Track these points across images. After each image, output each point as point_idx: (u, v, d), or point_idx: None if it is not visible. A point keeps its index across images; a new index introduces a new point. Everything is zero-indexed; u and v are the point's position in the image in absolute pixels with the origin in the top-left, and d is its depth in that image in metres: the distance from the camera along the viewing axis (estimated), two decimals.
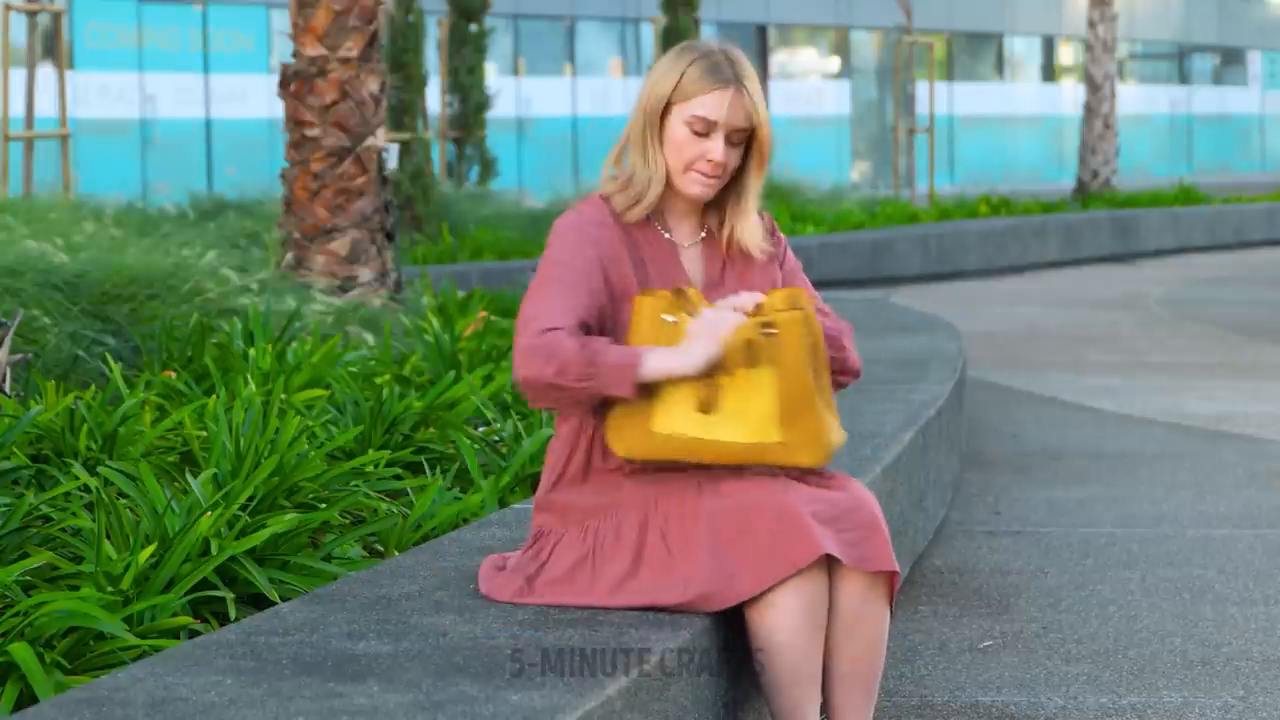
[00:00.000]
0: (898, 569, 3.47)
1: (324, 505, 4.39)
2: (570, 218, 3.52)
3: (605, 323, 3.46)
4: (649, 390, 3.37)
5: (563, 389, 3.33)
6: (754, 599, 3.36)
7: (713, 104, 3.44)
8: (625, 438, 3.40)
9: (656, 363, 3.34)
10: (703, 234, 3.60)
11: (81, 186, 14.92)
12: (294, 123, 8.62)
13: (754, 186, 3.55)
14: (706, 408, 3.38)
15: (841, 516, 3.43)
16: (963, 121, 35.39)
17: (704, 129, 3.45)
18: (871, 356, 7.71)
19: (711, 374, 3.37)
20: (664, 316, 3.40)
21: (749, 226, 3.57)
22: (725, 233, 3.59)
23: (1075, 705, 4.38)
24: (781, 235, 3.69)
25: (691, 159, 3.48)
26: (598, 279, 3.44)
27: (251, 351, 6.25)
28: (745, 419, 3.38)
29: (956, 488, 6.97)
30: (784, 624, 3.35)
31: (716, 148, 3.46)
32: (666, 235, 3.57)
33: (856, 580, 3.43)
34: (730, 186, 3.57)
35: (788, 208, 18.76)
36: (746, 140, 3.51)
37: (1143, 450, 7.92)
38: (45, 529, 4.03)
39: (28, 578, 3.71)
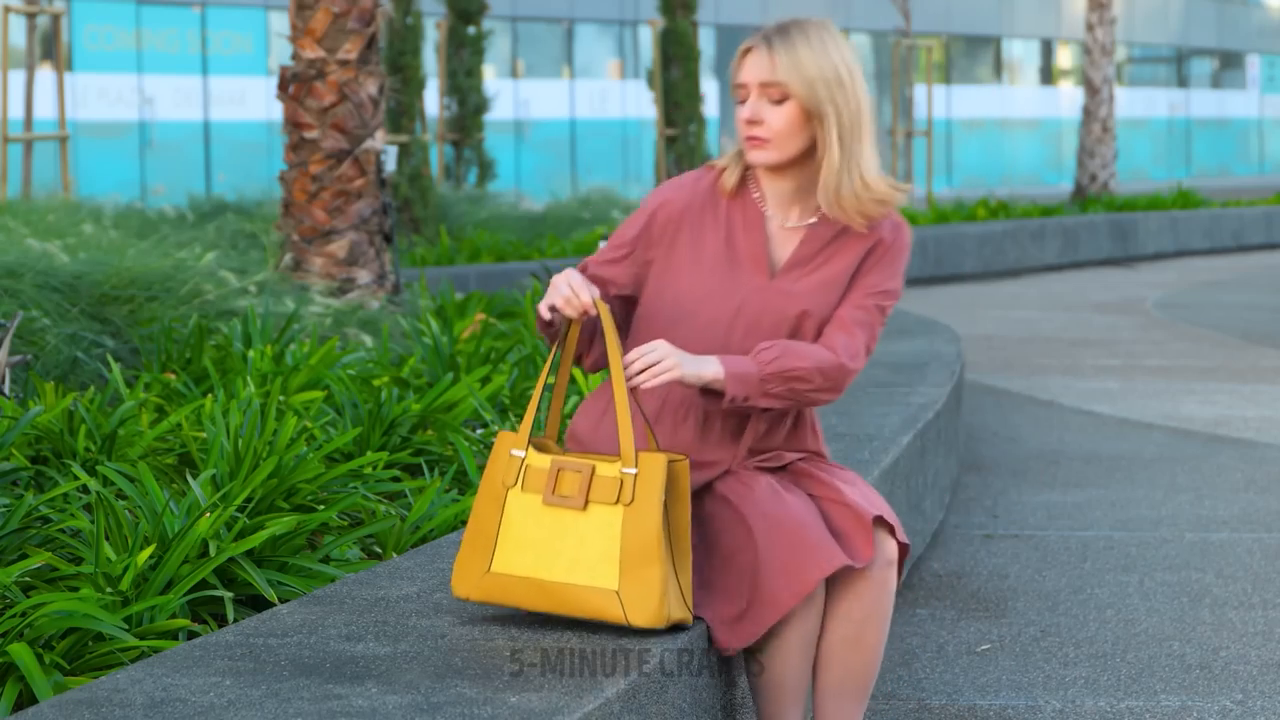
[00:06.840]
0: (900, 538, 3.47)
1: (322, 507, 4.40)
2: (666, 182, 3.62)
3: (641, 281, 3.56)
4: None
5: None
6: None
7: (736, 67, 3.50)
8: (466, 579, 3.32)
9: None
10: (813, 219, 3.56)
11: (80, 188, 14.92)
12: (292, 125, 8.62)
13: (828, 158, 3.45)
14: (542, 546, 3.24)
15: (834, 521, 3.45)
16: (961, 125, 35.40)
17: (741, 96, 3.50)
18: (870, 359, 7.72)
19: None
20: (512, 452, 3.32)
21: (830, 196, 3.48)
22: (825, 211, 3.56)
23: (1073, 709, 4.38)
24: (899, 233, 3.57)
25: (740, 127, 3.52)
26: (631, 244, 3.54)
27: (250, 353, 6.25)
28: (583, 560, 3.23)
29: (954, 491, 6.97)
30: (777, 644, 3.41)
31: (745, 108, 3.48)
32: (763, 209, 3.58)
33: (865, 577, 3.43)
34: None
35: None
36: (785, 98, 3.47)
37: (1141, 454, 7.92)
38: (44, 530, 4.03)
39: (27, 578, 3.71)
